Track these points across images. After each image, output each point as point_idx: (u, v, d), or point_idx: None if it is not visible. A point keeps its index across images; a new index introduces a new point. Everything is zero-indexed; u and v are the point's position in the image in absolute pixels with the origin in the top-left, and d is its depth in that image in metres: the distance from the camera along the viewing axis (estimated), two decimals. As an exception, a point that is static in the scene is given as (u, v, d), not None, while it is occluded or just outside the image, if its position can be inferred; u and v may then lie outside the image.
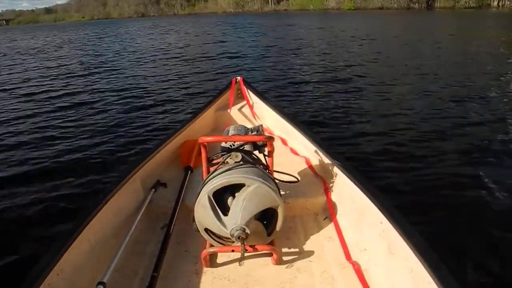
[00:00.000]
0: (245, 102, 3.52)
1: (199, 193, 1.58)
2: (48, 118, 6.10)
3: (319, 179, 2.26)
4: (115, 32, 34.27)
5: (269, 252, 1.66)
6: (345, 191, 1.94)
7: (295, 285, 1.56)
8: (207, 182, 1.59)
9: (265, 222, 1.61)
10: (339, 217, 1.95)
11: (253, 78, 8.47)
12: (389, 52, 12.44)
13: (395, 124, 5.04)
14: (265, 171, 1.72)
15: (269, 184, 1.56)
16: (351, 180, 1.84)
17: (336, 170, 2.08)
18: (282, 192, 1.85)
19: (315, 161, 2.44)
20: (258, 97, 3.41)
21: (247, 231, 1.46)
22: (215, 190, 1.53)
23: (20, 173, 4.05)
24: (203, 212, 1.54)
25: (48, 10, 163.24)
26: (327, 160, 2.19)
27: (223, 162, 1.74)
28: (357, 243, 1.74)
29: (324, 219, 2.00)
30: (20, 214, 3.20)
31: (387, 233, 1.51)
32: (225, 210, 1.54)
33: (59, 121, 5.92)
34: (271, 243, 1.68)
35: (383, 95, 6.72)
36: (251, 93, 3.52)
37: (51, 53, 17.79)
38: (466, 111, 5.59)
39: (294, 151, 2.76)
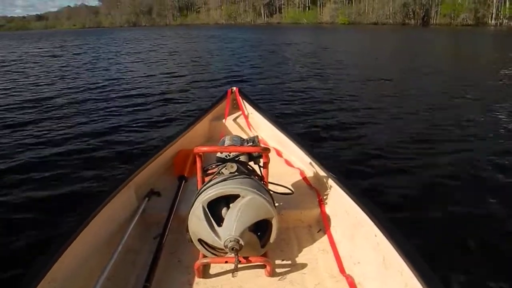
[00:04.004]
0: (240, 112, 3.50)
1: (193, 203, 1.58)
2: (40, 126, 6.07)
3: (313, 191, 2.25)
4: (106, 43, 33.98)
5: (262, 263, 1.65)
6: (339, 203, 1.94)
7: None
8: (202, 192, 1.59)
9: (259, 234, 1.61)
10: (333, 230, 1.95)
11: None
12: (380, 71, 12.10)
13: (388, 140, 5.13)
14: (260, 182, 1.72)
15: (264, 196, 1.56)
16: (346, 192, 1.85)
17: (330, 182, 2.08)
18: (276, 204, 1.83)
19: (309, 173, 2.44)
20: (254, 108, 3.41)
21: (241, 242, 1.46)
22: (209, 200, 1.53)
23: (10, 178, 4.02)
24: (197, 223, 1.54)
25: (39, 17, 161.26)
26: (321, 172, 2.20)
27: (218, 173, 1.75)
28: (351, 256, 1.73)
29: (318, 231, 2.00)
30: (9, 221, 3.17)
31: (382, 247, 1.50)
32: (219, 220, 1.54)
33: (53, 128, 5.94)
34: (265, 255, 1.67)
35: (375, 112, 6.73)
36: (246, 104, 3.51)
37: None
38: (457, 129, 5.63)
39: (289, 162, 2.75)
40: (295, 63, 14.20)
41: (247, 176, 1.68)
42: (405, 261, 1.31)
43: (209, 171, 1.81)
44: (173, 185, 2.31)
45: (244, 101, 3.52)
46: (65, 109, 7.35)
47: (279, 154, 2.92)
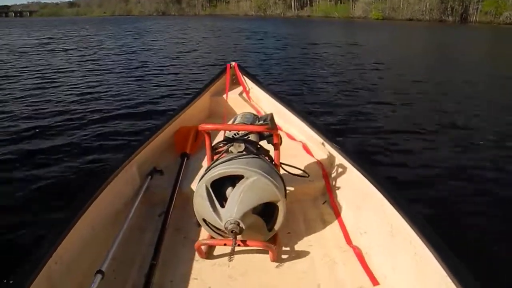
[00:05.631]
0: (240, 87, 3.47)
1: (199, 182, 1.55)
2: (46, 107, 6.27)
3: (317, 163, 2.21)
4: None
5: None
6: (344, 174, 1.92)
7: (295, 269, 1.52)
8: (208, 171, 1.54)
9: (266, 217, 1.55)
10: (338, 201, 1.92)
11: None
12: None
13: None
14: (270, 163, 1.65)
15: (269, 177, 1.49)
16: (350, 162, 1.83)
17: (334, 153, 2.07)
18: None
19: (312, 146, 2.40)
20: (254, 83, 3.40)
21: (242, 225, 1.40)
22: (213, 180, 1.49)
23: (16, 157, 4.07)
24: (201, 202, 1.51)
25: (71, 4, 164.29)
26: (324, 144, 2.20)
27: (226, 151, 1.70)
28: (357, 227, 1.70)
29: (323, 203, 1.98)
30: (15, 200, 3.18)
31: (389, 216, 1.46)
32: (224, 201, 1.49)
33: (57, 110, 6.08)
34: (273, 238, 1.62)
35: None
36: (246, 79, 3.48)
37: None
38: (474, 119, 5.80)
39: (291, 136, 2.73)
40: (347, 72, 10.93)
41: (255, 156, 1.62)
42: (414, 230, 1.28)
43: (218, 150, 1.77)
44: (175, 162, 2.29)
45: (244, 76, 3.50)
46: (69, 89, 7.70)
47: (279, 128, 2.84)
